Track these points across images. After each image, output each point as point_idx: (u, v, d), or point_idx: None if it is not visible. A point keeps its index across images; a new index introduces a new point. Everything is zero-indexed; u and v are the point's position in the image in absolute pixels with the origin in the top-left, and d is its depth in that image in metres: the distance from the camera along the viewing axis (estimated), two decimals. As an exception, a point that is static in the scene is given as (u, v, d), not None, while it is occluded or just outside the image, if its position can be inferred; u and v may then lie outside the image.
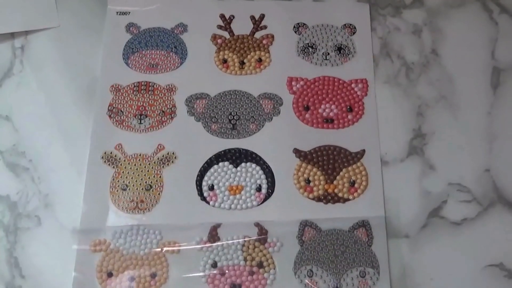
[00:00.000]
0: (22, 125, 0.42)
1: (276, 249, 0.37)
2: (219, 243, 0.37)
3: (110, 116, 0.40)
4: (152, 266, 0.36)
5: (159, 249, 0.37)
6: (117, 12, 0.43)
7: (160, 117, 0.40)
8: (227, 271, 0.36)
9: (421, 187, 0.39)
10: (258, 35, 0.43)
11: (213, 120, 0.40)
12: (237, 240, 0.37)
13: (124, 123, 0.40)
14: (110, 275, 0.36)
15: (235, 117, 0.40)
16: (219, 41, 0.43)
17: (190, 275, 0.36)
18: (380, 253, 0.37)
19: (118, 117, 0.40)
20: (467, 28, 0.45)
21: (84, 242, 0.37)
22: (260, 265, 0.36)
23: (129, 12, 0.43)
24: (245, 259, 0.36)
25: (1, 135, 0.41)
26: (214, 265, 0.36)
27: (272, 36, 0.43)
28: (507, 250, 0.38)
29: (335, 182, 0.39)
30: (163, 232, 0.37)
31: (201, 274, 0.36)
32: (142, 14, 0.43)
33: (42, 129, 0.41)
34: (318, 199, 0.38)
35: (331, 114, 0.40)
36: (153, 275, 0.36)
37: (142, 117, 0.40)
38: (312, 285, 0.36)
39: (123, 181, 0.38)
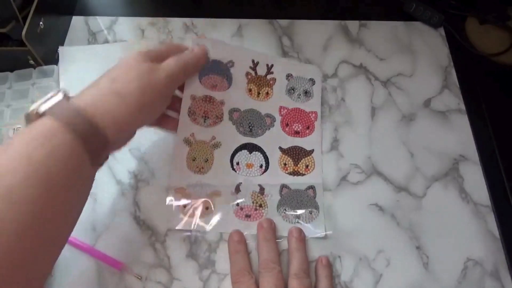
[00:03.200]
0: (140, 136, 0.38)
1: (268, 198, 0.41)
2: (240, 193, 0.41)
3: (189, 115, 0.42)
4: (207, 203, 0.40)
5: (210, 196, 0.40)
6: (196, 45, 0.42)
7: (215, 119, 0.42)
8: (243, 208, 0.40)
9: (337, 166, 0.44)
10: (268, 77, 0.45)
11: (241, 125, 0.43)
12: (249, 192, 0.41)
13: (196, 121, 0.42)
14: (184, 207, 0.39)
15: (251, 125, 0.43)
16: (249, 76, 0.45)
17: (225, 209, 0.40)
18: (319, 202, 0.41)
19: (193, 116, 0.42)
20: (358, 87, 0.49)
21: (171, 189, 0.40)
22: (260, 206, 0.40)
23: None
24: (252, 202, 0.40)
25: (144, 143, 0.43)
26: (237, 204, 0.40)
27: (275, 79, 0.46)
28: (378, 195, 0.42)
29: (298, 165, 0.42)
30: (213, 185, 0.40)
31: (231, 208, 0.40)
32: (209, 48, 0.42)
33: (151, 138, 0.43)
34: (290, 173, 0.42)
35: (298, 129, 0.44)
36: (207, 208, 0.40)
37: (205, 118, 0.42)
38: (285, 217, 0.40)
39: (193, 155, 0.41)
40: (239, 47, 0.46)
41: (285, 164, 0.42)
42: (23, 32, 0.41)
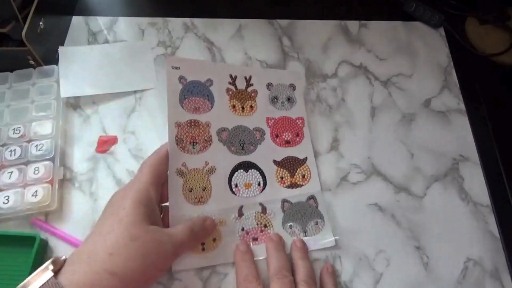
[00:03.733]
0: (140, 136, 0.43)
1: (271, 216, 0.40)
2: (243, 216, 0.39)
3: (177, 144, 0.39)
4: (214, 233, 0.38)
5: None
6: (172, 67, 0.42)
7: (204, 143, 0.40)
8: (249, 231, 0.39)
9: (336, 166, 0.44)
10: (249, 89, 0.44)
11: (232, 144, 0.42)
12: (252, 214, 0.39)
13: (185, 149, 0.39)
14: None
15: (242, 143, 0.42)
16: (230, 92, 0.44)
17: (232, 237, 0.38)
18: (323, 210, 0.40)
19: (181, 144, 0.39)
20: (358, 87, 0.49)
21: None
22: (265, 226, 0.39)
23: (179, 67, 0.42)
24: (257, 224, 0.39)
25: (144, 142, 0.43)
26: (242, 229, 0.39)
27: (256, 91, 0.45)
28: (378, 195, 0.42)
29: (295, 176, 0.42)
30: (215, 214, 0.38)
31: (237, 235, 0.38)
32: (186, 69, 0.42)
33: (150, 138, 0.43)
34: (288, 186, 0.41)
35: (288, 138, 0.43)
36: (214, 239, 0.38)
37: (194, 144, 0.40)
38: (292, 233, 0.39)
39: (189, 186, 0.38)
40: (213, 63, 0.44)
41: (282, 178, 0.42)
42: (23, 32, 0.41)
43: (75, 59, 0.47)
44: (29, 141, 0.41)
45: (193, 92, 0.42)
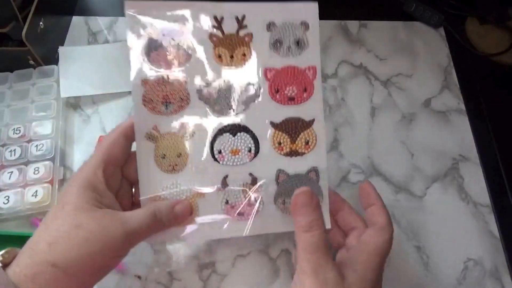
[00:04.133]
0: None
1: (263, 189, 0.34)
2: (227, 188, 0.33)
3: (144, 104, 0.32)
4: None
5: (191, 199, 0.33)
6: (131, 12, 0.32)
7: (179, 103, 0.33)
8: (234, 205, 0.33)
9: (337, 166, 0.44)
10: (241, 33, 0.34)
11: (216, 103, 0.34)
12: (239, 185, 0.34)
13: (155, 109, 0.33)
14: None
15: (230, 100, 0.34)
16: (215, 39, 0.33)
17: (213, 211, 0.33)
18: (324, 187, 0.34)
19: (150, 105, 0.33)
20: (358, 87, 0.49)
21: (144, 200, 0.32)
22: (254, 199, 0.34)
23: (143, 13, 0.33)
24: (244, 197, 0.33)
25: None
26: (227, 202, 0.33)
27: (251, 34, 0.34)
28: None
29: (296, 141, 0.34)
30: (193, 184, 0.33)
31: (220, 209, 0.33)
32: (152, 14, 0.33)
33: None
34: (286, 154, 0.34)
35: (292, 94, 0.34)
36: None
37: (167, 104, 0.33)
38: (284, 210, 0.34)
39: (162, 152, 0.33)
40: (189, 3, 0.34)
41: (279, 143, 0.34)
42: (23, 32, 0.41)
43: (75, 59, 0.47)
44: (29, 141, 0.41)
45: (163, 42, 0.33)
